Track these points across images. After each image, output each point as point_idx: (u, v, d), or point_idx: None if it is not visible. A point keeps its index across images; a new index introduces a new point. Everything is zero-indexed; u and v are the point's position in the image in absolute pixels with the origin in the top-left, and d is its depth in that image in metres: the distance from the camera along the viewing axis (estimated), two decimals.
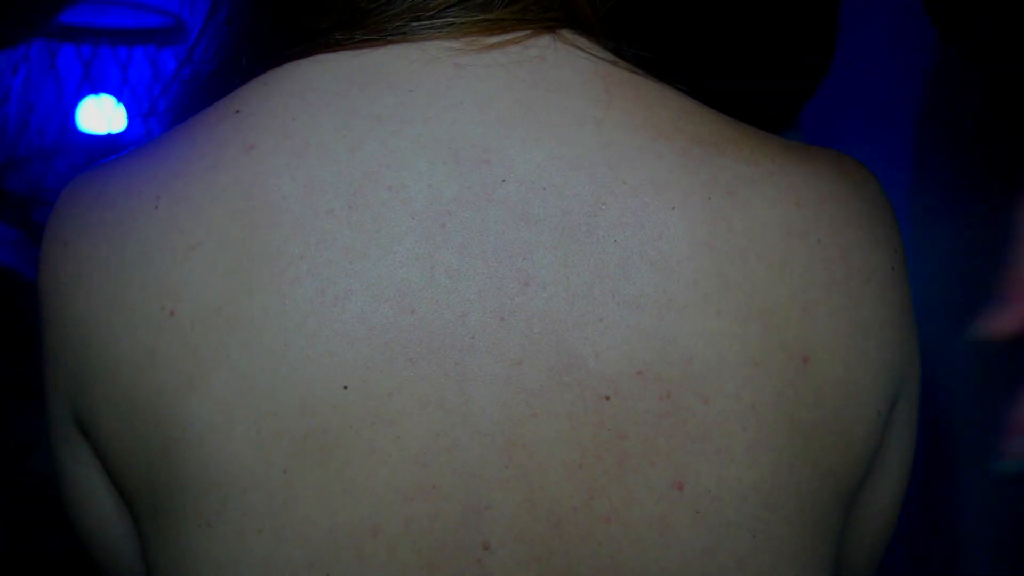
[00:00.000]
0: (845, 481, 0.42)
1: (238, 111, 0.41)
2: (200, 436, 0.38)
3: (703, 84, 0.43)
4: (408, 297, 0.37)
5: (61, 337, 0.43)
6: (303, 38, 0.42)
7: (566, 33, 0.42)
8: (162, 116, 0.50)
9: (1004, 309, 0.37)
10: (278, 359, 0.37)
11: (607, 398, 0.37)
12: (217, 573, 0.39)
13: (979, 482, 0.80)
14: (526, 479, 0.38)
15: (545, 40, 0.41)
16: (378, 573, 0.38)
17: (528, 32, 0.41)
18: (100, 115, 1.26)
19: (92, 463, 0.45)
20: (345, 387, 0.37)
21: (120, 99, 1.27)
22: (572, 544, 0.38)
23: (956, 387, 0.80)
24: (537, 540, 0.38)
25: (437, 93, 0.40)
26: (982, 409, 0.81)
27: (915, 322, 0.45)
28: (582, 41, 0.42)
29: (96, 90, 1.27)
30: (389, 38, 0.41)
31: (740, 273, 0.39)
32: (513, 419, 0.37)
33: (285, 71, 0.42)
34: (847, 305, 0.40)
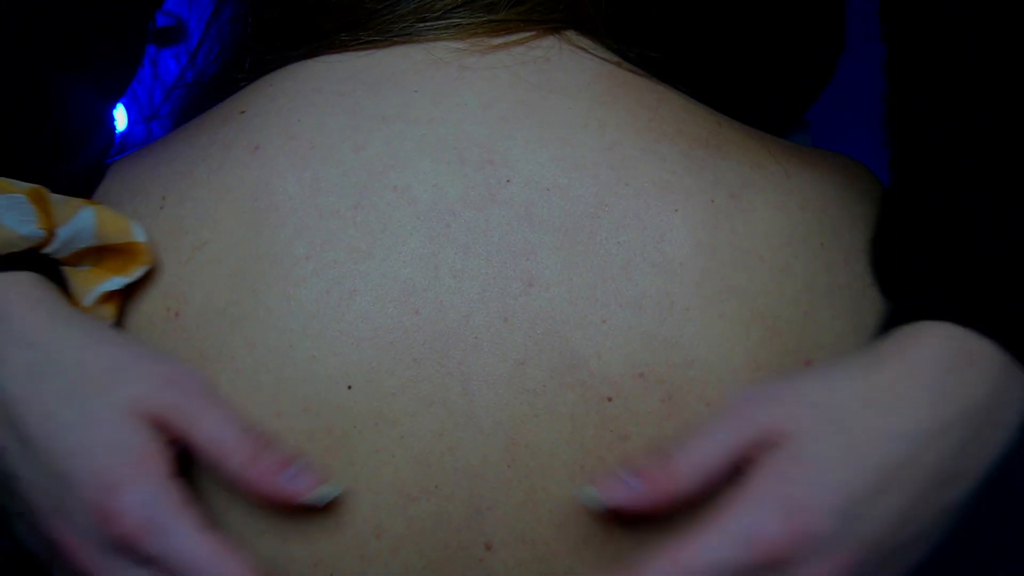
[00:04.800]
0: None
1: (243, 112, 0.41)
2: None
3: (708, 85, 0.43)
4: (413, 297, 0.37)
5: None
6: (308, 39, 0.42)
7: (571, 34, 0.42)
8: (165, 117, 0.50)
9: (630, 484, 0.35)
10: (283, 359, 0.37)
11: (609, 399, 0.37)
12: None
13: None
14: (528, 479, 0.38)
15: (550, 41, 0.41)
16: (381, 573, 0.38)
17: (533, 33, 0.41)
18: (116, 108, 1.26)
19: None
20: (349, 387, 0.37)
21: (120, 100, 1.27)
22: (574, 545, 0.38)
23: None
24: (539, 541, 0.38)
25: (442, 94, 0.40)
26: None
27: None
28: (586, 42, 0.42)
29: None
30: (394, 39, 0.41)
31: (743, 276, 0.39)
32: (516, 419, 0.38)
33: (290, 71, 0.42)
34: (850, 309, 0.40)
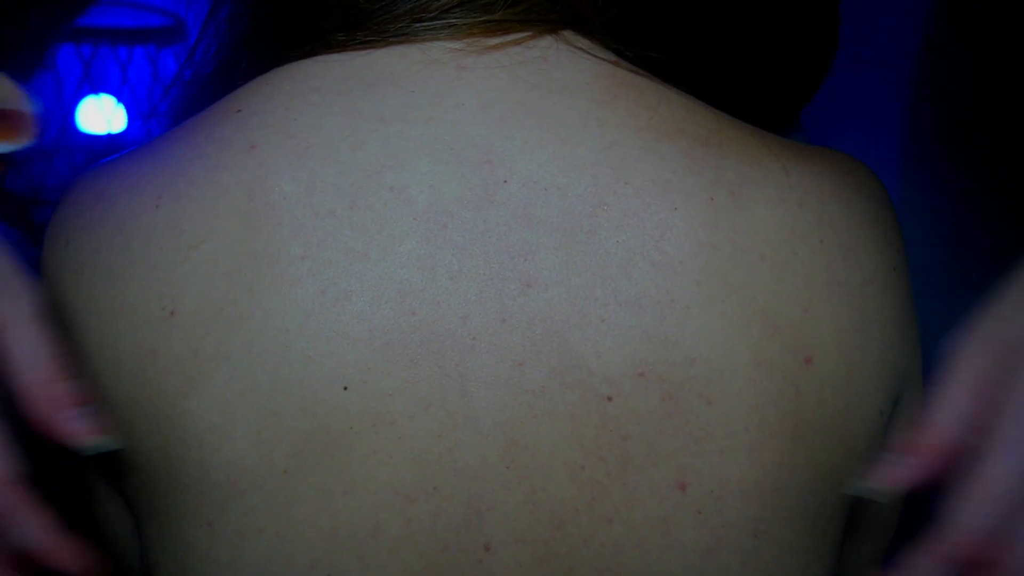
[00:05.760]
0: (847, 482, 0.42)
1: (240, 111, 0.41)
2: (201, 437, 0.38)
3: (707, 85, 0.43)
4: (409, 298, 0.37)
5: (61, 337, 0.43)
6: (305, 39, 0.42)
7: (568, 34, 0.42)
8: (163, 116, 0.50)
9: (903, 463, 0.36)
10: (279, 360, 0.37)
11: (609, 399, 0.37)
12: (218, 572, 0.39)
13: None
14: (528, 480, 0.38)
15: (547, 41, 0.41)
16: (379, 574, 0.38)
17: (530, 33, 0.41)
18: (100, 115, 1.26)
19: (92, 463, 0.45)
20: (346, 388, 0.37)
21: (120, 99, 1.27)
22: (574, 545, 0.38)
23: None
24: (539, 541, 0.38)
25: (439, 94, 0.40)
26: None
27: (917, 322, 0.45)
28: (584, 42, 0.42)
29: (96, 90, 1.27)
30: (391, 39, 0.41)
31: (742, 274, 0.39)
32: (515, 420, 0.37)
33: (287, 71, 0.42)
34: (849, 306, 0.40)
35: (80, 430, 0.37)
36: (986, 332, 0.37)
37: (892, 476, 0.36)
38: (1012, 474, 0.35)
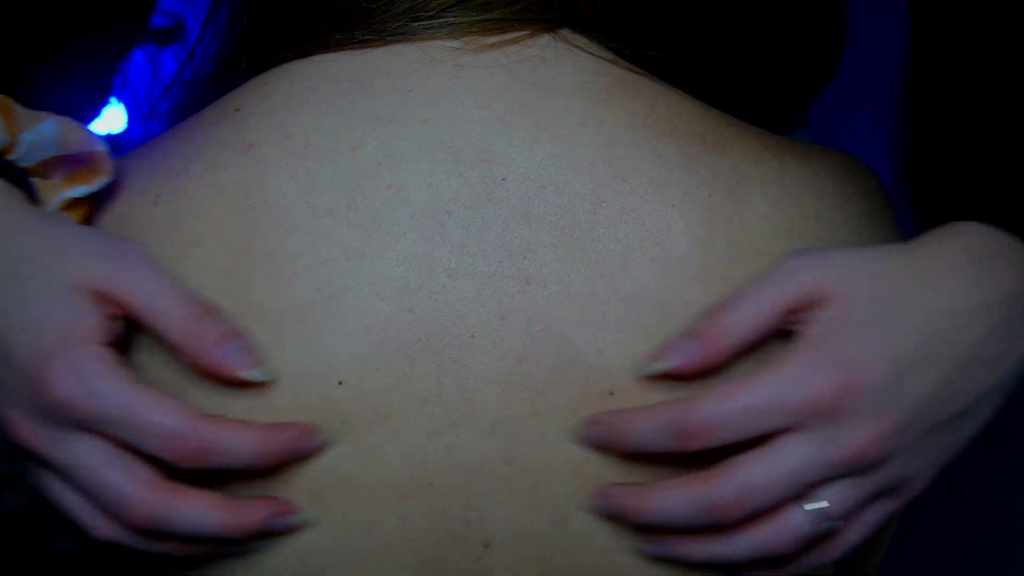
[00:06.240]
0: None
1: (238, 110, 0.41)
2: None
3: (707, 83, 0.43)
4: (406, 295, 0.37)
5: None
6: (303, 38, 0.42)
7: (566, 33, 0.42)
8: (162, 116, 0.50)
9: (694, 348, 0.37)
10: (274, 354, 0.37)
11: (611, 393, 0.38)
12: (211, 568, 0.39)
13: (978, 481, 0.80)
14: (528, 477, 0.38)
15: (545, 40, 0.41)
16: (374, 571, 0.38)
17: (527, 32, 0.41)
18: (100, 115, 1.26)
19: None
20: (340, 383, 0.37)
21: (120, 99, 1.27)
22: (575, 542, 0.38)
23: None
24: (540, 538, 0.38)
25: (437, 93, 0.40)
26: None
27: None
28: (582, 40, 0.42)
29: None
30: (389, 38, 0.41)
31: (740, 271, 0.39)
32: (515, 417, 0.38)
33: (285, 70, 0.42)
34: None
35: (245, 362, 0.36)
36: (824, 265, 0.37)
37: (670, 355, 0.37)
38: (762, 400, 0.35)
